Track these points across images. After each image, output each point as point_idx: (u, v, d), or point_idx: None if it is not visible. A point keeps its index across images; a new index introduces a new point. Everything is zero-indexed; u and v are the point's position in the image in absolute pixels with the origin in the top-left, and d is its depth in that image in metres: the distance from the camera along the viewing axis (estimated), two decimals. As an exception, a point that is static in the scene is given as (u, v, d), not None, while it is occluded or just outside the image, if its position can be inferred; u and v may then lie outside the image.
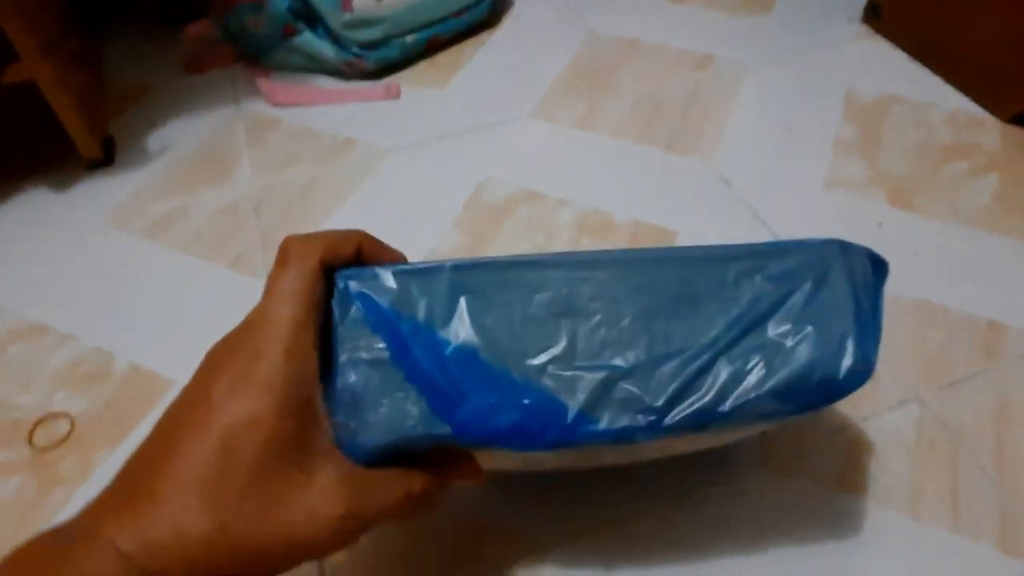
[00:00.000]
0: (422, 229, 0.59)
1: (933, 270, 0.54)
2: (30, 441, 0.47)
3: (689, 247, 0.31)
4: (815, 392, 0.29)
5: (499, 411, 0.28)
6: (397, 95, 0.73)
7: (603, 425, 0.28)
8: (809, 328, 0.29)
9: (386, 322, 0.29)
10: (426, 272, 0.30)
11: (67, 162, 0.66)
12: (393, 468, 0.28)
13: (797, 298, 0.30)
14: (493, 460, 0.33)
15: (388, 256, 0.32)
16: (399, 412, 0.28)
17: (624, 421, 0.28)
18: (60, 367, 0.51)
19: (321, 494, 0.25)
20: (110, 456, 0.46)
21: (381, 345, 0.29)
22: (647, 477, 0.42)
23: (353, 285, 0.29)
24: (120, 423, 0.47)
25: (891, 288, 0.55)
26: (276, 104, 0.72)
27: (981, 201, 0.59)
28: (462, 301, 0.29)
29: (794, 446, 0.44)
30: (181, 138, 0.70)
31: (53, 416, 0.48)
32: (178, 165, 0.67)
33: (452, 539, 0.41)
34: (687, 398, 0.29)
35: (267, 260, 0.58)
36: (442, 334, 0.29)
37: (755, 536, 0.40)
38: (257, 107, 0.73)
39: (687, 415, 0.28)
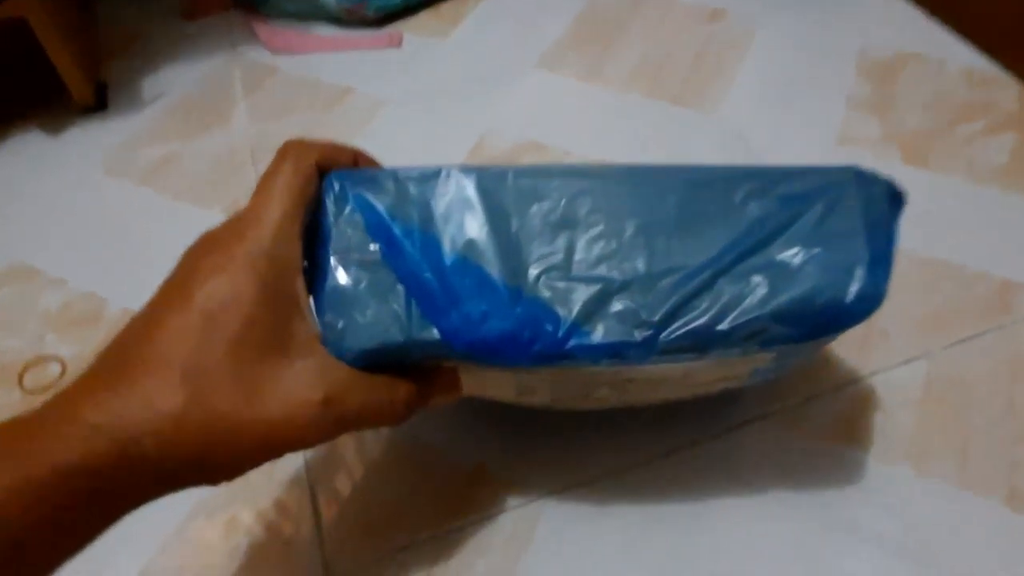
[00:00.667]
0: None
1: (947, 228, 0.53)
2: (20, 383, 0.46)
3: (697, 166, 0.30)
4: (820, 316, 0.28)
5: (489, 319, 0.27)
6: (398, 44, 0.71)
7: (596, 338, 0.27)
8: (817, 250, 0.28)
9: (380, 224, 0.28)
10: (424, 177, 0.29)
11: (59, 107, 0.65)
12: (377, 374, 0.27)
13: (806, 220, 0.28)
14: (486, 386, 0.32)
15: (378, 165, 0.32)
16: (388, 315, 0.27)
17: (618, 335, 0.27)
18: (51, 310, 0.50)
19: (299, 379, 0.25)
20: (102, 400, 0.45)
21: (374, 247, 0.28)
22: (642, 428, 0.41)
23: (349, 185, 0.29)
24: (112, 367, 0.47)
25: (903, 244, 0.53)
26: (274, 51, 0.70)
27: (998, 160, 0.58)
28: (459, 207, 0.28)
29: (797, 399, 0.43)
30: (176, 84, 0.68)
31: (44, 359, 0.47)
32: (173, 111, 0.65)
33: (446, 486, 0.40)
34: (685, 315, 0.28)
35: (263, 207, 0.56)
36: (437, 239, 0.28)
37: (754, 489, 0.39)
38: (255, 54, 0.71)
39: (684, 332, 0.27)
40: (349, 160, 0.30)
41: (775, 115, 0.62)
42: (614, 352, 0.27)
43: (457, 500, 0.39)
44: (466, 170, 0.29)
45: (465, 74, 0.67)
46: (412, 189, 0.29)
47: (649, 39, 0.71)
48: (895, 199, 0.32)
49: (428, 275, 0.27)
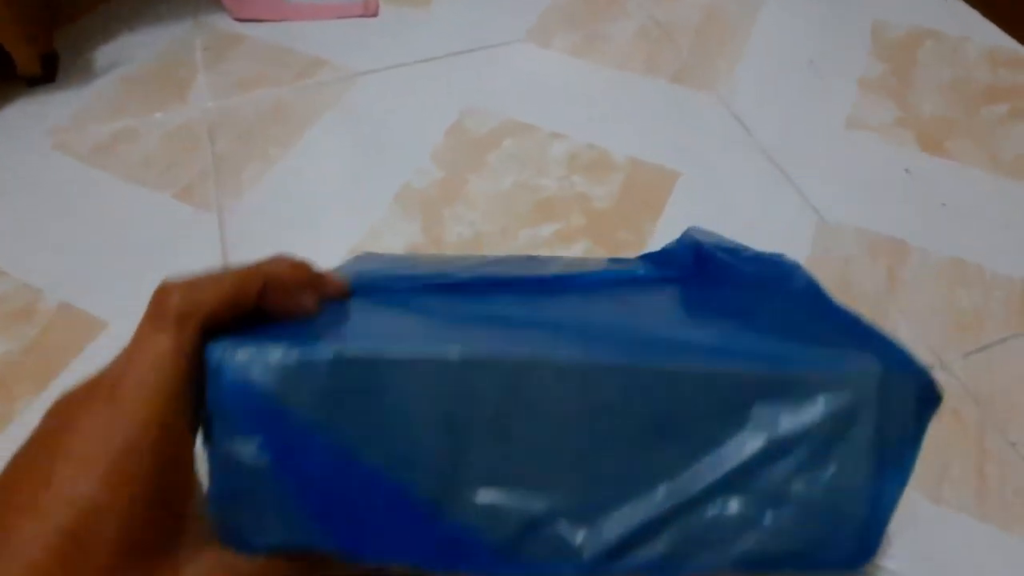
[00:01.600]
0: (396, 162, 0.53)
1: (965, 224, 0.48)
2: (-57, 385, 0.42)
3: (679, 358, 0.24)
4: (795, 567, 0.24)
5: (399, 541, 0.23)
6: (375, 12, 0.65)
7: (519, 570, 0.23)
8: (807, 495, 0.23)
9: (266, 414, 0.23)
10: (319, 357, 0.23)
11: (3, 78, 0.60)
12: (281, 555, 0.23)
13: (802, 452, 0.23)
14: None
15: (302, 301, 0.25)
16: (283, 522, 0.23)
17: (548, 566, 0.23)
18: (-19, 303, 0.46)
19: None
20: (32, 403, 0.41)
21: (258, 442, 0.23)
22: None
23: (228, 365, 0.23)
24: (44, 368, 0.42)
25: (918, 242, 0.50)
26: (240, 19, 0.65)
27: (1022, 148, 0.53)
28: (372, 396, 0.23)
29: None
30: (132, 54, 0.62)
31: (-30, 358, 0.43)
32: (127, 84, 0.60)
33: None
34: (633, 551, 0.23)
35: (221, 190, 0.51)
36: (340, 437, 0.23)
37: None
38: (219, 22, 0.65)
39: (628, 570, 0.23)
40: (252, 301, 0.23)
41: (780, 97, 0.57)
42: None
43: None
44: (371, 353, 0.23)
45: (446, 46, 0.62)
46: (303, 371, 0.23)
47: (647, 13, 0.65)
48: (927, 402, 0.26)
49: (326, 482, 0.23)
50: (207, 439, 0.23)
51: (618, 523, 0.23)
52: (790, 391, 0.23)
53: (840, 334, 0.26)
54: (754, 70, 0.60)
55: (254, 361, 0.22)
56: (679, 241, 0.35)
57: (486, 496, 0.23)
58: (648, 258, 0.36)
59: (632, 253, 0.48)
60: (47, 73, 0.60)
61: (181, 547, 0.21)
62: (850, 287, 0.45)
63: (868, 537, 0.23)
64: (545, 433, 0.23)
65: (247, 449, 0.23)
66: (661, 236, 0.48)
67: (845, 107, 0.57)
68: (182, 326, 0.22)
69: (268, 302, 0.24)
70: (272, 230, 0.49)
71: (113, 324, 0.44)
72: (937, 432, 0.38)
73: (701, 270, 0.33)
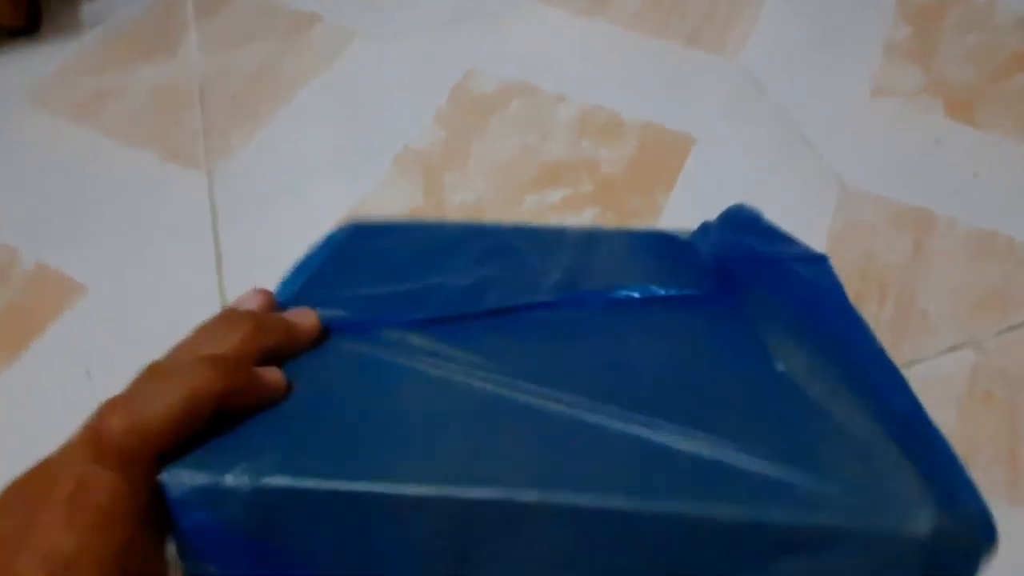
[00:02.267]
0: (397, 123, 0.50)
1: (996, 195, 0.46)
2: (-87, 349, 0.39)
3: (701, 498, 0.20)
4: None
5: None
6: (375, -32, 0.62)
7: None
8: None
9: (234, 549, 0.20)
10: (279, 485, 0.19)
11: (-16, 29, 0.57)
12: None
13: None
14: None
15: (266, 393, 0.21)
16: None
17: None
18: (-45, 264, 0.43)
19: None
20: (6, 371, 0.39)
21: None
22: None
23: (183, 501, 0.19)
24: (19, 331, 0.40)
25: (947, 213, 0.47)
26: (234, -27, 0.62)
27: (1056, 117, 0.50)
28: (346, 531, 0.20)
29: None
30: (121, 7, 0.59)
31: (-58, 320, 0.41)
32: (115, 38, 0.57)
33: None
34: None
35: (209, 151, 0.49)
36: (297, 564, 0.20)
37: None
38: (211, -25, 0.62)
39: None
40: (206, 415, 0.19)
41: (801, 61, 0.55)
42: None
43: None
44: (335, 493, 0.19)
45: (449, 4, 0.59)
46: (278, 495, 0.19)
47: (661, -29, 0.62)
48: (980, 549, 0.19)
49: None
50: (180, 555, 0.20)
51: None
52: (819, 547, 0.19)
53: (887, 423, 0.21)
54: (773, 33, 0.57)
55: (212, 494, 0.19)
56: (719, 224, 0.30)
57: None
58: (668, 240, 0.31)
59: (643, 222, 0.45)
60: (30, 24, 0.57)
61: None
62: (873, 259, 0.43)
63: None
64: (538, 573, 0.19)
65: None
66: (675, 205, 0.45)
67: (869, 72, 0.54)
68: (131, 465, 0.18)
69: (231, 407, 0.20)
70: (263, 192, 0.46)
71: (92, 288, 0.41)
72: (967, 414, 0.36)
73: (726, 283, 0.28)
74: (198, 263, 0.42)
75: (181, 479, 0.19)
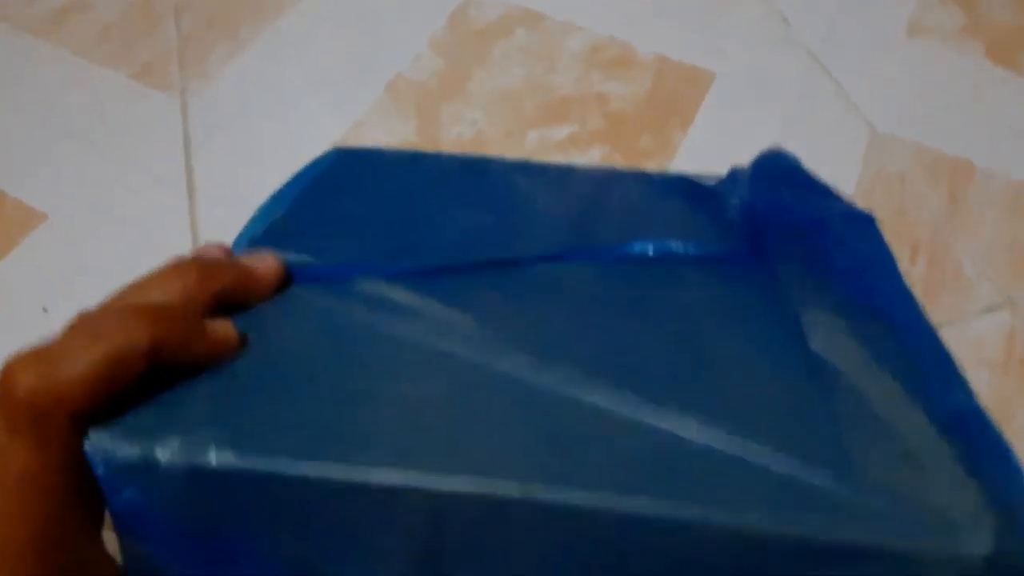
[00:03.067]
0: (390, 49, 0.46)
1: (1039, 145, 0.42)
2: None
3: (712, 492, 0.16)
4: None
5: None
6: None
7: None
8: None
9: (170, 539, 0.17)
10: (220, 464, 0.16)
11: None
12: None
13: None
14: None
15: (214, 348, 0.18)
16: None
17: None
18: (-97, 188, 0.39)
19: None
20: (-42, 304, 0.35)
21: (168, 557, 0.17)
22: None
23: (108, 474, 0.16)
24: (-28, 263, 0.36)
25: (983, 165, 0.44)
26: None
27: (1106, 64, 0.46)
28: (293, 515, 0.17)
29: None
30: (90, -86, 0.54)
31: None
32: (83, -53, 0.52)
33: None
34: None
35: (185, 71, 0.45)
36: (256, 562, 0.17)
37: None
38: None
39: None
40: (136, 370, 0.16)
41: (832, -6, 0.50)
42: None
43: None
44: (292, 478, 0.16)
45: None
46: (231, 483, 0.16)
47: None
48: None
49: None
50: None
51: None
52: (855, 565, 0.15)
53: (939, 420, 0.18)
54: (803, -36, 0.52)
55: (142, 470, 0.16)
56: (751, 171, 0.26)
57: None
58: (690, 186, 0.28)
59: (655, 164, 0.42)
60: (-11, -69, 0.52)
61: None
62: (906, 211, 0.39)
63: None
64: None
65: (155, 562, 0.16)
66: (691, 146, 0.42)
67: (905, 10, 0.49)
68: (45, 430, 0.15)
69: (168, 362, 0.17)
70: (242, 119, 0.42)
71: (53, 216, 0.38)
72: (1001, 379, 0.33)
73: (756, 242, 0.25)
74: (169, 194, 0.39)
75: (105, 449, 0.16)
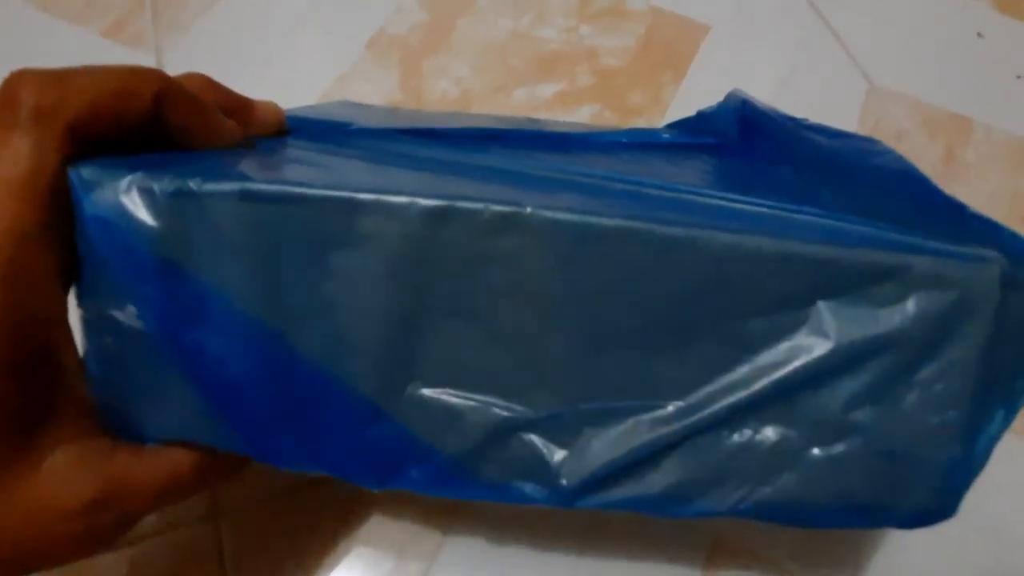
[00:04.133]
0: (372, 1, 0.44)
1: (1042, 98, 0.41)
2: None
3: (730, 221, 0.17)
4: (844, 520, 0.18)
5: (326, 443, 0.18)
6: None
7: (481, 489, 0.18)
8: (868, 426, 0.17)
9: (147, 273, 0.16)
10: (223, 190, 0.17)
11: None
12: (179, 452, 0.19)
13: (882, 362, 0.17)
14: None
15: (219, 124, 0.19)
16: (177, 412, 0.17)
17: (517, 488, 0.18)
18: None
19: (53, 480, 0.16)
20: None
21: (139, 301, 0.17)
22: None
23: (91, 199, 0.16)
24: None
25: (984, 119, 0.42)
26: None
27: (1115, 12, 0.45)
28: (284, 255, 0.17)
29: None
30: None
31: None
32: None
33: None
34: (624, 483, 0.17)
35: (159, 28, 0.43)
36: (233, 302, 0.17)
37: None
38: None
39: (616, 502, 0.18)
40: (144, 99, 0.17)
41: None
42: (508, 501, 0.18)
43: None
44: (284, 190, 0.17)
45: None
46: (191, 210, 0.16)
47: None
48: None
49: (222, 360, 0.17)
50: (79, 294, 0.18)
51: (611, 443, 0.17)
52: (871, 283, 0.17)
53: (944, 223, 0.19)
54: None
55: (130, 191, 0.16)
56: (720, 105, 0.27)
57: (443, 395, 0.17)
58: (678, 125, 0.29)
59: (647, 121, 0.40)
60: None
61: (48, 428, 0.16)
62: (901, 168, 0.38)
63: (950, 489, 0.18)
64: (525, 316, 0.17)
65: (124, 313, 0.17)
66: (684, 102, 0.41)
67: (908, -44, 0.47)
68: (43, 126, 0.15)
69: (172, 118, 0.17)
70: (221, 76, 0.41)
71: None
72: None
73: (748, 139, 0.26)
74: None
75: (94, 170, 0.16)
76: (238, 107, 0.20)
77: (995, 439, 0.18)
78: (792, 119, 0.25)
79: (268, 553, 0.27)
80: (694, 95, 0.41)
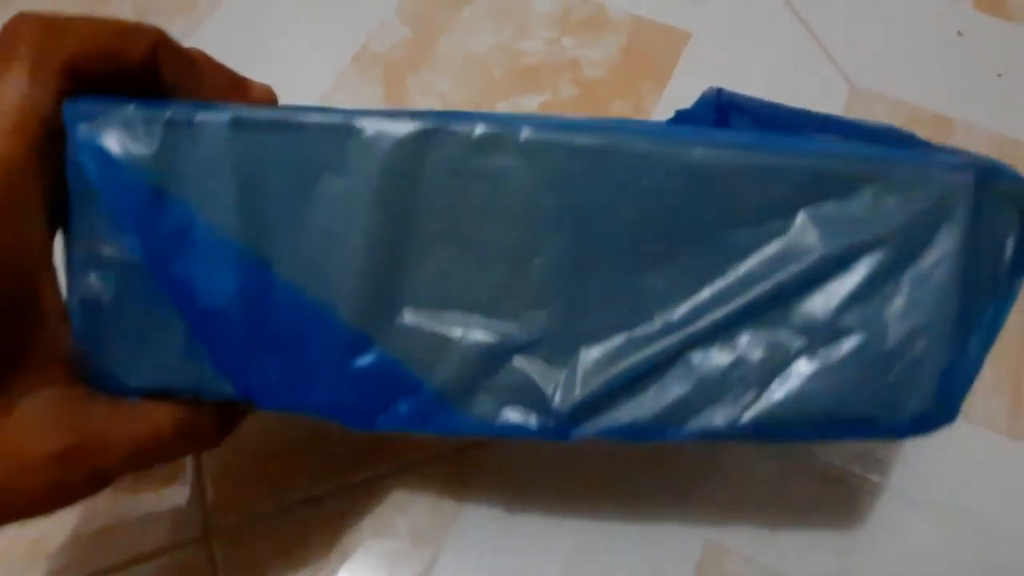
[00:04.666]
0: (351, 14, 0.45)
1: (1022, 98, 0.41)
2: None
3: (705, 139, 0.18)
4: (842, 431, 0.18)
5: (313, 377, 0.18)
6: None
7: (472, 421, 0.18)
8: (860, 331, 0.17)
9: (139, 203, 0.17)
10: (213, 121, 0.17)
11: None
12: (163, 403, 0.18)
13: (866, 266, 0.17)
14: None
15: (213, 82, 0.20)
16: (161, 355, 0.18)
17: (506, 420, 0.18)
18: None
19: (22, 429, 0.16)
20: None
21: (128, 235, 0.17)
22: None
23: (84, 129, 0.17)
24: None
25: (965, 117, 0.43)
26: None
27: (1094, 7, 0.45)
28: (271, 184, 0.17)
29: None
30: None
31: None
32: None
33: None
34: (619, 405, 0.18)
35: (145, 51, 0.43)
36: (221, 230, 0.17)
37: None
38: None
39: (612, 429, 0.17)
40: (138, 55, 0.17)
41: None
42: (504, 435, 0.18)
43: (373, 444, 0.31)
44: (279, 118, 0.17)
45: None
46: (187, 145, 0.17)
47: None
48: None
49: (216, 297, 0.17)
50: (66, 235, 0.18)
51: (606, 362, 0.17)
52: (851, 191, 0.18)
53: (920, 150, 0.21)
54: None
55: (125, 121, 0.17)
56: (697, 101, 0.28)
57: (432, 321, 0.18)
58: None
59: (630, 129, 0.41)
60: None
61: (21, 374, 0.16)
62: (883, 170, 0.39)
63: (947, 392, 0.18)
64: (512, 237, 0.17)
65: (114, 246, 0.17)
66: (665, 109, 0.41)
67: (887, -44, 0.48)
68: (40, 60, 0.16)
69: (166, 71, 0.18)
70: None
71: None
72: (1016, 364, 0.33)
73: (724, 120, 0.26)
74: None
75: (87, 104, 0.17)
76: (233, 83, 0.21)
77: (988, 340, 0.19)
78: (772, 105, 0.25)
79: (261, 573, 0.28)
80: (676, 103, 0.41)
